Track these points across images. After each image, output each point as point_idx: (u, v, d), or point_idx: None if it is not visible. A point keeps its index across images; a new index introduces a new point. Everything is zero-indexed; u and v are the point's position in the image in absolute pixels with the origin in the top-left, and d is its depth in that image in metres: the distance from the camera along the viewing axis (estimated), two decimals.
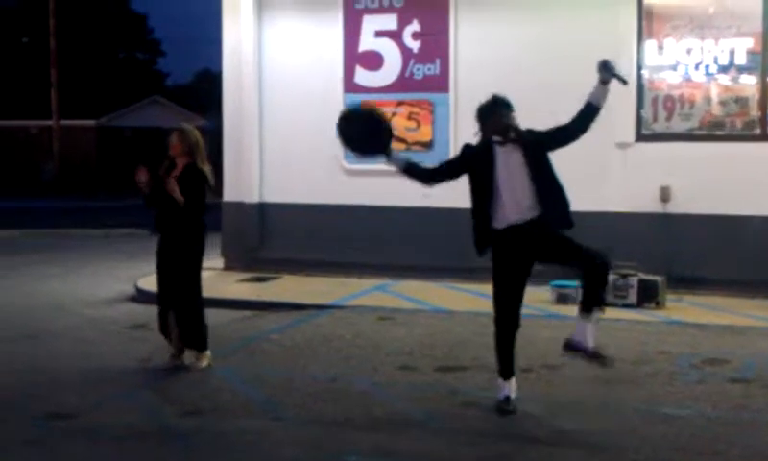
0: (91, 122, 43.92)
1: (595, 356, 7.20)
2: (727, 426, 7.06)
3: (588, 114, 7.31)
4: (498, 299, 7.47)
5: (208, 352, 8.99)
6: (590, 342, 7.17)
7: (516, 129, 7.30)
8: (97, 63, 52.44)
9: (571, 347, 7.24)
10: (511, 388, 7.46)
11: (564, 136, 7.39)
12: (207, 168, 8.89)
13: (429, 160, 13.50)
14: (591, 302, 7.16)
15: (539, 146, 7.30)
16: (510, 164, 7.22)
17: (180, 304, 8.88)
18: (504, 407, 7.39)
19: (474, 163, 7.37)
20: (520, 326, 7.49)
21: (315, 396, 7.97)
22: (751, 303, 11.64)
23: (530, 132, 7.38)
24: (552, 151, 7.34)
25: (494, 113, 7.36)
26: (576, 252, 7.19)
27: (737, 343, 9.81)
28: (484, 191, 7.28)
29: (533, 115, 12.44)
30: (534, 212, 7.19)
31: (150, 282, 12.86)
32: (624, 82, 7.38)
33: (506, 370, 7.49)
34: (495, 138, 7.30)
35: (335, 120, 14.21)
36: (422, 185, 7.88)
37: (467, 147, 7.53)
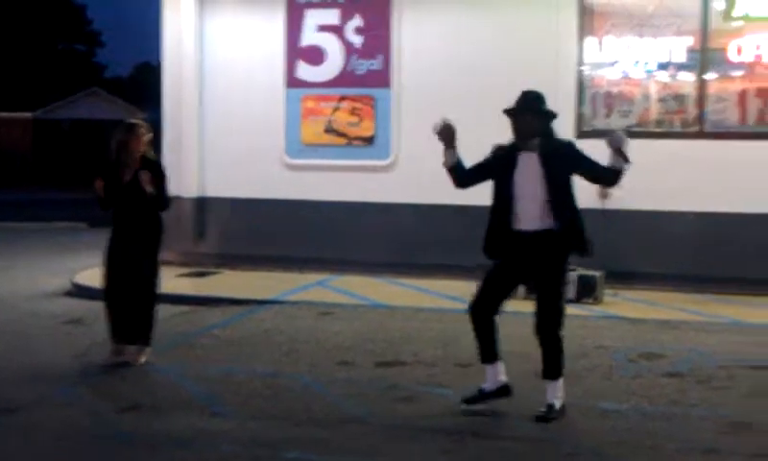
0: (28, 114, 43.28)
1: (542, 410, 7.18)
2: (662, 421, 7.15)
3: (614, 173, 7.17)
4: (482, 285, 7.33)
5: (150, 349, 8.92)
6: (549, 397, 7.21)
7: (543, 135, 7.20)
8: (35, 55, 51.70)
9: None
10: (493, 373, 7.34)
11: (598, 175, 7.32)
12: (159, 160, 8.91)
13: (371, 156, 13.75)
14: (546, 371, 7.24)
15: (567, 161, 7.18)
16: (527, 171, 7.12)
17: (140, 299, 8.80)
18: (468, 396, 7.33)
19: (498, 165, 7.28)
20: (498, 312, 7.32)
21: (255, 391, 7.94)
22: (685, 298, 11.81)
23: (569, 145, 7.31)
24: (579, 175, 7.23)
25: (516, 117, 7.25)
26: (540, 300, 7.19)
27: (672, 337, 9.96)
28: (502, 194, 7.22)
29: (474, 111, 12.58)
30: (541, 224, 7.11)
31: (87, 277, 12.76)
32: (627, 162, 7.20)
33: (486, 351, 7.35)
34: (518, 142, 7.23)
35: (276, 115, 14.29)
36: (454, 184, 7.58)
37: (497, 148, 7.40)
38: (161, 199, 8.82)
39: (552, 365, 7.25)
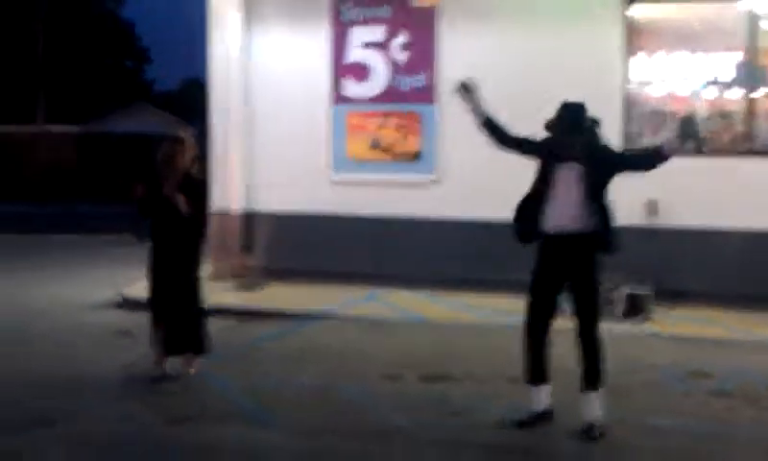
0: (77, 128, 43.78)
1: (586, 430, 7.15)
2: (711, 440, 7.12)
3: (656, 157, 7.29)
4: (531, 303, 7.38)
5: (200, 359, 9.01)
6: (589, 415, 7.18)
7: (587, 146, 7.25)
8: (85, 71, 52.30)
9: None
10: (538, 397, 7.36)
11: (635, 165, 7.49)
12: (202, 178, 8.95)
13: (416, 172, 13.80)
14: (586, 379, 7.22)
15: (606, 164, 7.26)
16: (566, 175, 7.19)
17: (185, 309, 8.88)
18: (522, 419, 7.33)
19: (545, 157, 7.33)
20: (549, 331, 7.35)
21: (303, 404, 7.99)
22: (734, 317, 11.70)
23: (605, 148, 7.36)
24: (618, 172, 7.31)
25: (561, 134, 7.30)
26: (580, 311, 7.22)
27: (722, 356, 9.88)
28: (540, 190, 7.27)
29: (518, 127, 12.55)
30: (577, 226, 7.16)
31: (136, 290, 12.88)
32: (700, 144, 7.28)
33: (533, 372, 7.37)
34: (561, 151, 7.28)
35: (322, 131, 14.37)
36: (493, 142, 7.63)
37: (549, 140, 7.42)
38: (198, 221, 8.87)
39: (594, 372, 7.20)
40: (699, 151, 7.31)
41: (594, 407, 7.18)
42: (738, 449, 6.90)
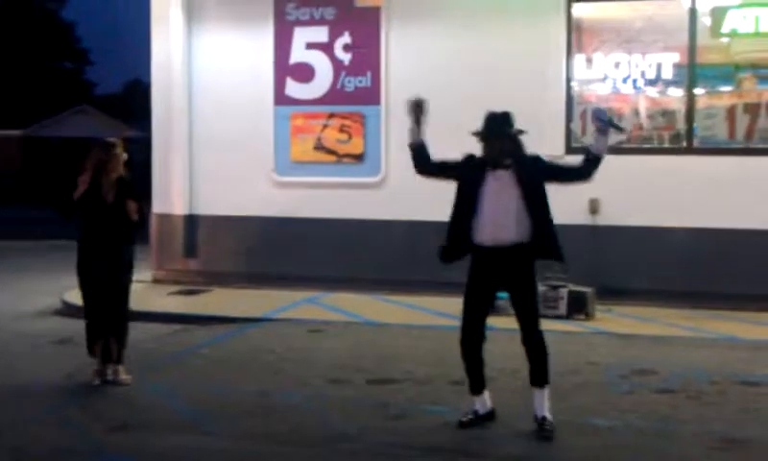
0: (18, 132, 43.21)
1: (541, 425, 7.20)
2: (654, 438, 7.13)
3: (590, 162, 7.27)
4: (466, 312, 7.42)
5: (124, 366, 8.90)
6: (541, 410, 7.24)
7: (515, 154, 7.23)
8: (24, 73, 51.64)
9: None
10: (482, 402, 7.44)
11: (568, 176, 7.51)
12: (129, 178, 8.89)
13: (361, 173, 13.74)
14: (535, 377, 7.31)
15: (537, 175, 7.25)
16: (499, 186, 7.15)
17: (121, 317, 8.78)
18: (463, 419, 7.36)
19: (467, 174, 7.30)
20: (485, 339, 7.42)
21: (245, 410, 7.89)
22: (677, 313, 11.79)
23: (536, 159, 7.33)
24: (552, 183, 7.31)
25: (487, 139, 7.26)
26: (521, 311, 7.29)
27: (664, 353, 9.93)
28: (467, 205, 7.24)
29: (463, 127, 12.52)
30: (514, 237, 7.14)
31: (77, 296, 12.66)
32: (621, 130, 7.39)
33: (474, 384, 7.46)
34: (490, 163, 7.24)
35: (265, 132, 14.29)
36: (415, 166, 7.53)
37: (468, 157, 7.40)
38: (132, 225, 8.80)
39: (542, 370, 7.29)
40: (620, 131, 7.35)
41: (543, 403, 7.25)
42: (682, 446, 6.91)
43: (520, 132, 7.35)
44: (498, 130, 7.24)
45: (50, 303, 13.21)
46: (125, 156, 8.82)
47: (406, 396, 8.34)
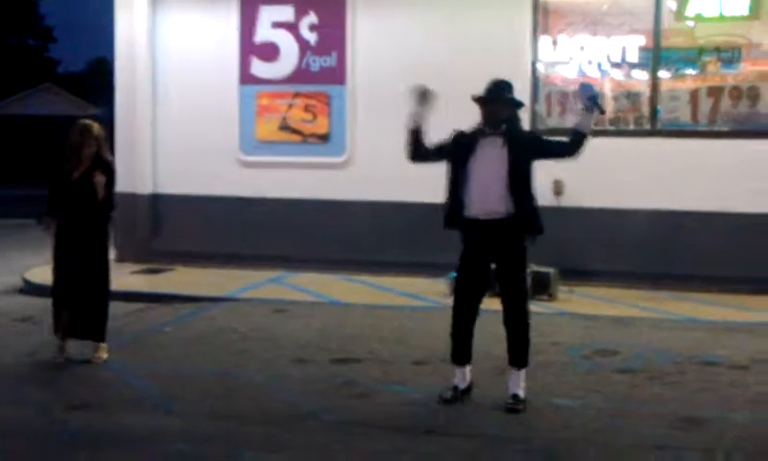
0: None
1: (509, 401, 7.32)
2: (615, 417, 7.19)
3: (576, 140, 7.33)
4: (458, 287, 7.48)
5: (106, 345, 8.85)
6: (514, 387, 7.34)
7: (510, 123, 7.33)
8: None
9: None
10: (462, 375, 7.50)
11: (558, 152, 7.49)
12: (112, 159, 8.93)
13: (326, 153, 13.71)
14: (513, 357, 7.39)
15: (528, 148, 7.33)
16: (489, 156, 7.23)
17: (93, 296, 8.74)
18: (446, 396, 7.42)
19: (458, 149, 7.37)
20: (478, 315, 7.48)
21: (207, 390, 7.88)
22: (639, 294, 11.89)
23: (531, 134, 7.43)
24: (540, 159, 7.41)
25: (487, 103, 7.35)
26: (505, 287, 7.36)
27: (625, 334, 10.01)
28: (458, 178, 7.32)
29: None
30: (501, 209, 7.20)
31: (38, 274, 12.61)
32: (602, 111, 7.45)
33: (459, 355, 7.49)
34: (485, 128, 7.32)
35: (230, 112, 14.21)
36: (409, 154, 7.56)
37: (458, 134, 7.49)
38: (109, 202, 8.77)
39: (521, 351, 7.37)
40: (602, 112, 7.45)
41: (518, 383, 7.35)
42: (642, 425, 6.97)
43: (519, 104, 7.50)
44: (499, 94, 7.37)
45: (12, 281, 13.11)
46: (102, 135, 8.81)
47: (370, 375, 8.35)
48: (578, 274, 12.24)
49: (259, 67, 14.07)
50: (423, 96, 7.45)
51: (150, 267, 13.83)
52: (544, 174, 12.54)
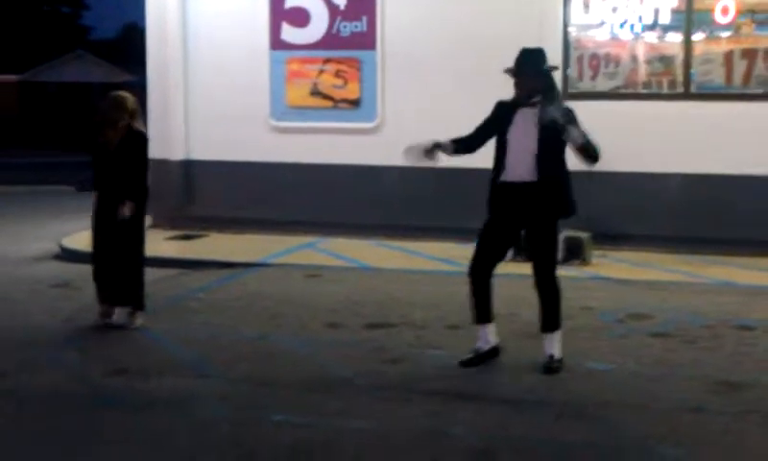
0: (14, 77, 43.00)
1: (547, 361, 7.35)
2: (649, 381, 7.19)
3: (584, 154, 7.27)
4: (480, 247, 7.45)
5: (142, 312, 8.95)
6: (549, 349, 7.38)
7: (546, 93, 7.24)
8: (20, 17, 51.26)
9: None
10: (485, 336, 7.49)
11: (578, 151, 7.29)
12: (145, 131, 9.05)
13: (357, 119, 13.70)
14: (545, 324, 7.42)
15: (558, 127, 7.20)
16: (523, 124, 7.21)
17: (128, 262, 8.82)
18: (464, 359, 7.46)
19: (498, 121, 7.37)
20: (493, 274, 7.46)
21: (242, 354, 7.95)
22: (673, 259, 11.84)
23: (568, 110, 7.29)
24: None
25: (517, 75, 7.29)
26: (537, 261, 7.37)
27: (660, 298, 9.98)
28: (499, 148, 7.33)
29: (457, 72, 12.56)
30: (531, 176, 7.18)
31: (75, 241, 12.73)
32: (563, 127, 7.23)
33: (480, 314, 7.48)
34: (519, 99, 7.29)
35: (261, 77, 14.19)
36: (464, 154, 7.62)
37: (498, 104, 7.49)
38: (139, 170, 8.83)
39: (552, 316, 7.40)
40: (566, 135, 7.24)
41: (553, 344, 7.39)
42: (676, 389, 6.96)
43: (553, 68, 7.50)
44: (528, 66, 7.29)
45: (48, 248, 13.23)
46: (135, 106, 8.87)
47: (403, 340, 8.39)
48: (611, 238, 12.21)
49: (290, 33, 14.05)
50: (429, 153, 7.42)
51: (183, 233, 13.91)
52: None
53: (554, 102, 7.27)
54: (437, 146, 7.45)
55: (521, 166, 7.21)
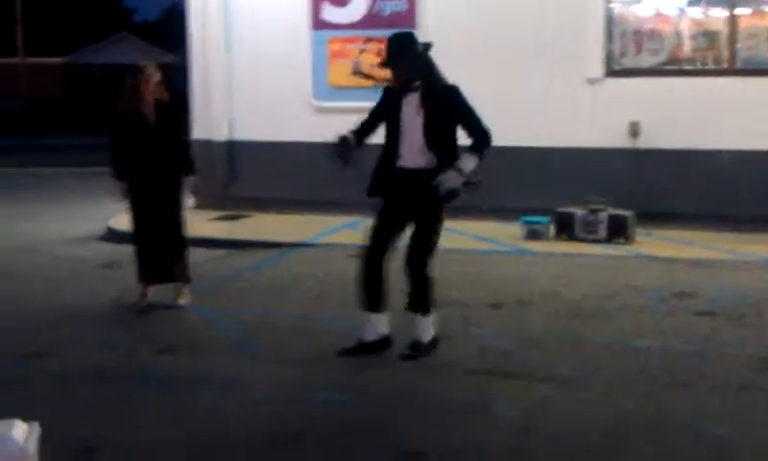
0: (58, 59, 43.40)
1: (414, 348, 7.23)
2: (694, 359, 7.16)
3: (479, 142, 7.14)
4: (373, 234, 7.38)
5: (188, 290, 9.06)
6: (417, 334, 7.26)
7: (425, 76, 7.10)
8: (64, 0, 51.65)
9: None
10: (373, 327, 7.36)
11: (468, 131, 7.18)
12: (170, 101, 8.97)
13: None
14: (412, 304, 7.27)
15: (444, 106, 7.10)
16: (410, 112, 7.08)
17: (172, 240, 8.91)
18: (345, 347, 7.33)
19: (386, 108, 7.24)
20: (385, 262, 7.35)
21: (287, 333, 8.02)
22: (718, 237, 11.75)
23: (451, 89, 7.17)
24: (457, 124, 7.16)
25: (388, 64, 7.16)
26: (414, 244, 7.23)
27: (705, 276, 9.93)
28: (388, 134, 7.19)
29: (499, 50, 12.50)
30: (420, 163, 7.09)
31: (121, 221, 12.84)
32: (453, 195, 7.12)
33: (372, 301, 7.35)
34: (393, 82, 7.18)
35: (303, 57, 14.19)
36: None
37: (386, 90, 7.38)
38: (180, 149, 8.92)
39: (419, 299, 7.25)
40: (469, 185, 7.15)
41: (421, 328, 7.24)
42: (721, 367, 6.94)
43: (427, 47, 7.22)
44: (398, 53, 7.11)
45: (95, 228, 13.38)
46: (158, 76, 8.83)
47: (447, 318, 8.38)
48: (655, 216, 12.14)
49: (330, 12, 14.07)
50: (342, 152, 7.31)
51: (227, 214, 14.01)
52: (619, 116, 12.55)
53: (437, 85, 7.11)
54: (344, 141, 7.28)
55: (414, 153, 7.08)
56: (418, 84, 7.09)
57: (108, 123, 9.07)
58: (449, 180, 6.96)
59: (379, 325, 7.37)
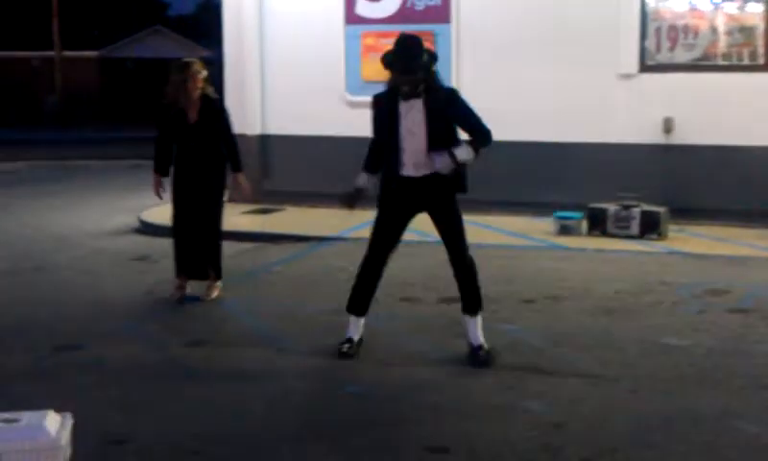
0: (93, 53, 43.69)
1: (477, 353, 7.13)
2: (726, 356, 7.12)
3: (479, 140, 7.11)
4: (375, 239, 7.38)
5: (221, 283, 9.08)
6: (477, 339, 7.19)
7: (427, 82, 7.02)
8: None
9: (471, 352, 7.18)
10: (356, 328, 7.36)
11: (467, 130, 7.16)
12: (217, 97, 9.11)
13: None
14: (468, 304, 7.27)
15: (448, 107, 7.06)
16: (412, 118, 7.01)
17: (207, 235, 8.97)
18: (344, 350, 7.24)
19: (384, 117, 7.16)
20: (384, 268, 7.39)
21: (318, 327, 8.04)
22: (752, 233, 11.67)
23: (451, 92, 7.20)
24: (457, 124, 7.13)
25: (397, 72, 7.04)
26: (449, 241, 7.28)
27: (738, 273, 9.86)
28: (390, 144, 7.10)
29: (533, 46, 12.47)
30: (428, 169, 7.03)
31: (155, 215, 12.95)
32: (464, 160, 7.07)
33: (361, 305, 7.38)
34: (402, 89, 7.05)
35: (336, 52, 14.21)
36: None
37: (376, 100, 7.30)
38: (227, 144, 8.99)
39: (475, 296, 7.28)
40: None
41: (477, 329, 7.21)
42: (756, 365, 6.89)
43: (432, 57, 7.15)
44: (409, 63, 6.96)
45: (128, 221, 13.48)
46: (204, 73, 8.89)
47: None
48: (688, 212, 12.07)
49: (364, 7, 14.09)
50: (350, 200, 7.49)
51: (260, 207, 14.05)
52: (653, 111, 12.49)
53: (438, 91, 7.06)
54: (358, 191, 7.42)
55: (418, 160, 7.03)
56: (421, 89, 7.02)
57: (151, 118, 9.10)
58: (440, 162, 6.95)
59: (361, 327, 7.40)
